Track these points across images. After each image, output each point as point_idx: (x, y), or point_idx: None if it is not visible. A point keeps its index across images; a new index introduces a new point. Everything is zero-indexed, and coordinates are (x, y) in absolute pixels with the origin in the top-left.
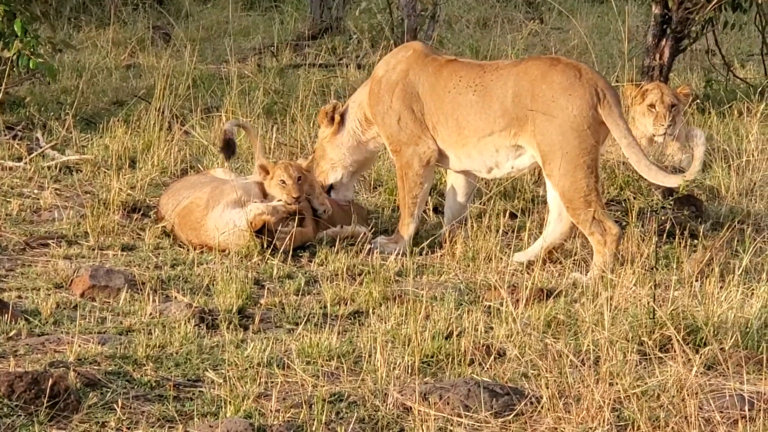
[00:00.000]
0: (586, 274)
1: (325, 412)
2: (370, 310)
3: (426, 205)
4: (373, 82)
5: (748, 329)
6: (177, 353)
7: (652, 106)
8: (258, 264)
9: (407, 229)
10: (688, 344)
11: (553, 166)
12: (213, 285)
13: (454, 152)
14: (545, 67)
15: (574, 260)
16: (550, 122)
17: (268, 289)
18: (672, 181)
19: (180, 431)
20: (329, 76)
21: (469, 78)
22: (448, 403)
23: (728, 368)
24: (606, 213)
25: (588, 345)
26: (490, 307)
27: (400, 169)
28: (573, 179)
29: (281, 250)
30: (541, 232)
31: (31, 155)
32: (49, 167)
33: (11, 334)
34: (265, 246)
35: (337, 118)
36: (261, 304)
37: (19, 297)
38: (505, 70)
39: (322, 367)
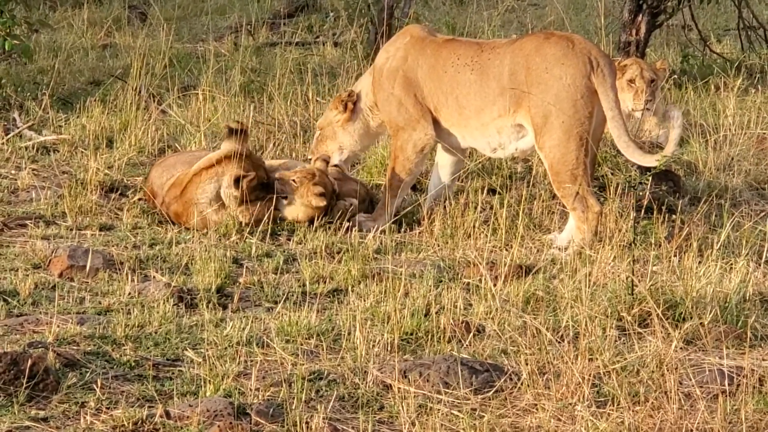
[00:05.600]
0: (564, 251)
1: (304, 391)
2: (349, 288)
3: None
4: (375, 71)
5: (727, 304)
6: (156, 333)
7: (631, 81)
8: (236, 243)
9: (388, 209)
10: (667, 319)
11: (545, 138)
12: (191, 264)
13: (458, 131)
14: (539, 41)
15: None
16: (545, 93)
17: (246, 267)
18: (647, 161)
19: (159, 411)
20: (306, 54)
21: (467, 56)
22: (427, 381)
23: (708, 343)
24: (590, 190)
25: (567, 321)
26: (469, 284)
27: (393, 151)
28: (565, 151)
29: (260, 229)
30: (519, 208)
31: (8, 136)
32: (26, 147)
33: None
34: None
35: (350, 106)
36: (240, 283)
37: None
38: (502, 49)
39: (302, 345)
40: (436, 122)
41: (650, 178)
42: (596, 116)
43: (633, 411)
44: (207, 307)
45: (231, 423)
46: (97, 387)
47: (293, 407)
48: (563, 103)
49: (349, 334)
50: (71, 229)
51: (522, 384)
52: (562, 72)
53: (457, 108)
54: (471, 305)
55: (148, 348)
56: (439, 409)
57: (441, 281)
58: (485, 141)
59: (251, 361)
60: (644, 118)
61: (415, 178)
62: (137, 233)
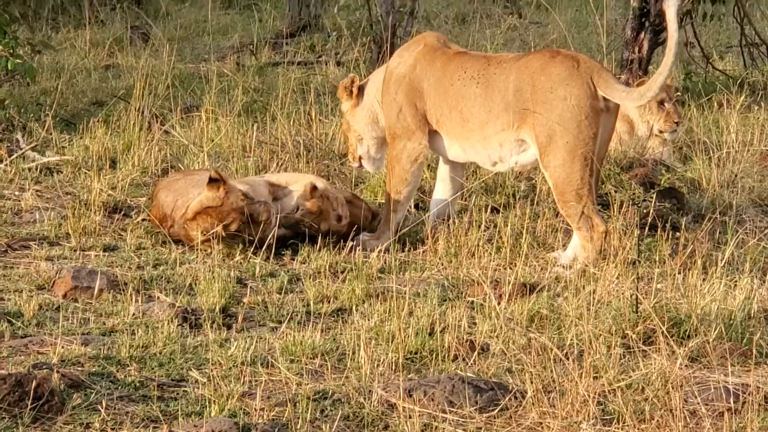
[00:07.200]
0: (569, 269)
1: (309, 410)
2: (354, 308)
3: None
4: (387, 71)
5: (731, 321)
6: (160, 353)
7: (662, 102)
8: (240, 263)
9: (390, 225)
10: (671, 337)
11: (550, 157)
12: (196, 284)
13: (459, 144)
14: (545, 60)
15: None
16: (549, 113)
17: (250, 287)
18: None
19: (164, 431)
20: (309, 73)
21: (474, 70)
22: (432, 400)
23: (712, 360)
24: (595, 209)
25: (572, 339)
26: (473, 302)
27: (389, 161)
28: (569, 171)
29: (263, 248)
30: (523, 227)
31: (12, 157)
32: (29, 169)
33: None
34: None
35: (355, 91)
36: (244, 303)
37: (2, 299)
38: (508, 64)
39: (306, 365)
40: (437, 135)
41: (654, 196)
42: (600, 136)
43: (638, 429)
44: (211, 327)
45: None
46: (102, 408)
47: (298, 427)
48: (567, 124)
49: (353, 353)
50: (75, 250)
51: (527, 402)
52: (567, 93)
53: (460, 121)
54: (475, 324)
55: (153, 368)
56: (444, 428)
57: (445, 300)
58: (486, 154)
59: (256, 381)
60: (651, 135)
61: (414, 190)
62: (141, 254)
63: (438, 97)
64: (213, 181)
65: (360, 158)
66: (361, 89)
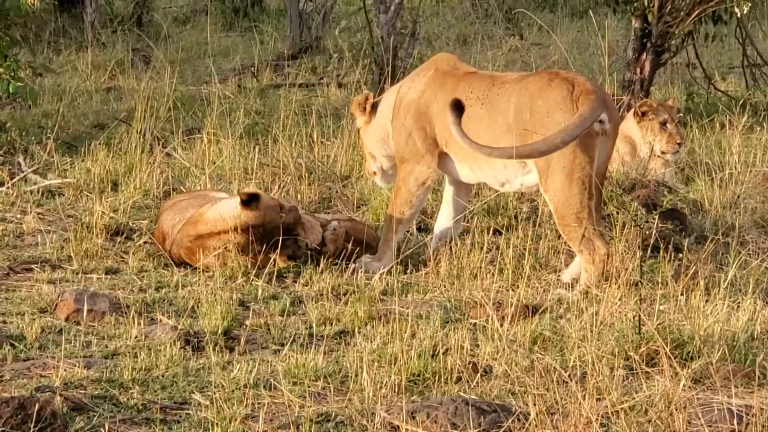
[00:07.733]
0: (571, 290)
1: None
2: (356, 330)
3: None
4: (398, 96)
5: (735, 342)
6: (163, 376)
7: (664, 123)
8: (242, 285)
9: (390, 245)
10: (675, 358)
11: (549, 181)
12: (198, 307)
13: (468, 165)
14: (543, 83)
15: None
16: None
17: (253, 310)
18: None
19: None
20: (310, 95)
21: (479, 90)
22: (435, 422)
23: (716, 382)
24: (596, 232)
25: (575, 360)
26: (475, 324)
27: (396, 182)
28: (568, 194)
29: (266, 271)
30: (525, 248)
31: (13, 180)
32: (31, 191)
33: None
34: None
35: (368, 108)
36: (246, 326)
37: (4, 322)
38: (510, 85)
39: (309, 387)
40: (448, 157)
41: (656, 217)
42: (598, 158)
43: None
44: (214, 349)
45: None
46: (105, 431)
47: None
48: (564, 149)
49: (356, 375)
50: (77, 273)
51: (530, 424)
52: (563, 118)
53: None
54: (478, 346)
55: (156, 391)
56: None
57: (448, 322)
58: (493, 175)
59: (259, 403)
60: (653, 156)
61: (417, 213)
62: (143, 276)
63: (446, 119)
64: (248, 202)
65: (374, 173)
66: (374, 106)
